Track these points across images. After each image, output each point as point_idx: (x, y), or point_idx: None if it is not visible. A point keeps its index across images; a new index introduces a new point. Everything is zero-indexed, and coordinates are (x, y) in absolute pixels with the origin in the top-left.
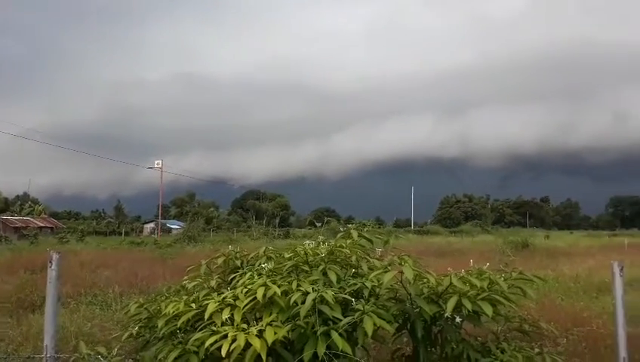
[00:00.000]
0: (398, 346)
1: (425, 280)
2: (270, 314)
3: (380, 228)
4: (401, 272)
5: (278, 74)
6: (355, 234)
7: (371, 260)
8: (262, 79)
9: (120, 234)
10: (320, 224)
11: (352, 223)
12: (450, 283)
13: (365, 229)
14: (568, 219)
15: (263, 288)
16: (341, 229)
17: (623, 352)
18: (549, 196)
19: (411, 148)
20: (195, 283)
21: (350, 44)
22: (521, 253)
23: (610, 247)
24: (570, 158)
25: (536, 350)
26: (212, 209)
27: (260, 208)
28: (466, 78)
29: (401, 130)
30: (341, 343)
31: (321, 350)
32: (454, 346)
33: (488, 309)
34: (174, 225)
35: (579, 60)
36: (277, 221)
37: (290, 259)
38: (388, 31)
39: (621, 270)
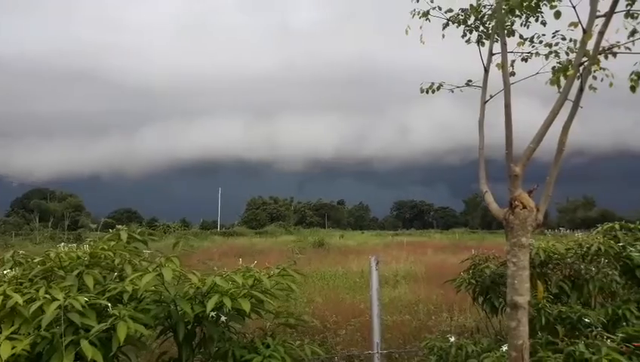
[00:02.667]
0: (165, 350)
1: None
2: (12, 325)
3: (185, 229)
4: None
5: (79, 61)
6: (124, 235)
7: (142, 263)
8: (59, 65)
9: None
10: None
11: (156, 225)
12: (214, 282)
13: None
14: (360, 220)
15: (1, 297)
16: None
17: (376, 338)
18: (345, 199)
19: (219, 149)
20: None
21: (159, 38)
22: (318, 251)
23: (392, 245)
24: (361, 165)
25: (298, 342)
26: None
27: (47, 209)
28: (274, 83)
29: (210, 130)
30: (91, 351)
31: (68, 360)
32: (220, 345)
33: (246, 306)
34: None
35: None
36: (66, 223)
37: (41, 263)
38: (199, 28)
39: (377, 264)
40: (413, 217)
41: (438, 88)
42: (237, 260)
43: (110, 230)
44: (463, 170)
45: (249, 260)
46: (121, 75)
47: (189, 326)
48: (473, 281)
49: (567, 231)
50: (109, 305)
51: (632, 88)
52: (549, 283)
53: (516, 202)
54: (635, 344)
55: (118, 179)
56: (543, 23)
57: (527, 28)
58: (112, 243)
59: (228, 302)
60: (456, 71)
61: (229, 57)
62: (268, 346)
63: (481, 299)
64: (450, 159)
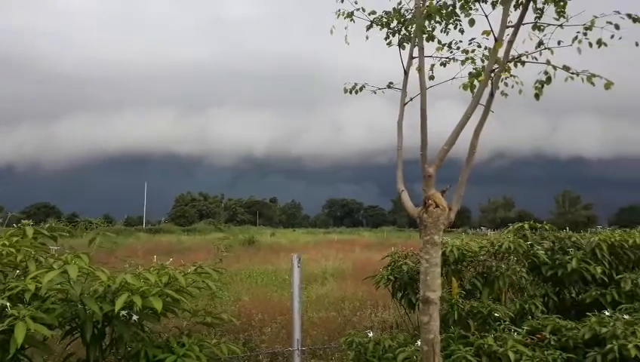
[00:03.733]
0: (73, 351)
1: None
2: None
3: (108, 226)
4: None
5: None
6: (30, 231)
7: (48, 260)
8: None
9: None
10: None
11: (77, 221)
12: (124, 280)
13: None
14: (292, 218)
15: None
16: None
17: (297, 334)
18: (277, 196)
19: (147, 141)
20: None
21: (86, 24)
22: (248, 249)
23: (323, 243)
24: (294, 163)
25: (214, 340)
26: None
27: None
28: (207, 77)
29: (137, 122)
30: None
31: None
32: (132, 346)
33: (158, 304)
34: None
35: (307, 74)
36: None
37: None
38: (130, 17)
39: (299, 262)
40: (344, 215)
41: (361, 89)
42: (162, 258)
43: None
44: (392, 169)
45: (176, 258)
46: (41, 60)
47: (99, 326)
48: (391, 278)
49: (488, 230)
50: (8, 304)
51: (536, 96)
52: (463, 279)
53: (430, 201)
54: (539, 336)
55: (34, 171)
56: (461, 31)
57: (447, 34)
58: (16, 238)
59: (138, 301)
60: (389, 72)
61: (162, 48)
62: (183, 345)
63: (399, 295)
64: (380, 159)
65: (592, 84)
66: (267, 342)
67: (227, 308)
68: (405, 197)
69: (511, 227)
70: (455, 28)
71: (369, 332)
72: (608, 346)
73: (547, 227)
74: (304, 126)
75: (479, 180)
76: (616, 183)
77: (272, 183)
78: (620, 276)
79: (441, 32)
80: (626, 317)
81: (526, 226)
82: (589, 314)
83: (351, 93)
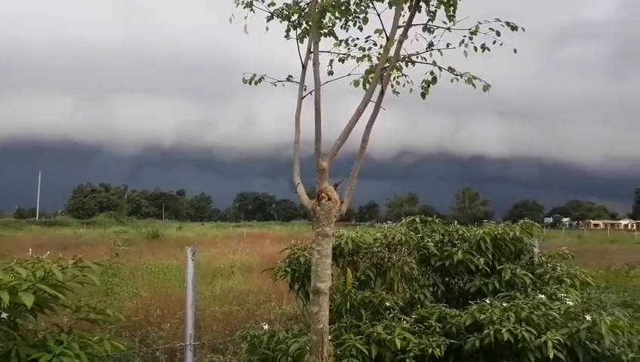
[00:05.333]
0: None
1: None
2: None
3: None
4: None
5: None
6: None
7: None
8: None
9: None
10: None
11: None
12: None
13: None
14: (201, 211)
15: None
16: None
17: (190, 329)
18: (185, 189)
19: (42, 128)
20: None
21: None
22: (152, 243)
23: (232, 237)
24: (204, 154)
25: (97, 337)
26: None
27: None
28: (112, 61)
29: (31, 107)
30: None
31: None
32: (2, 345)
33: (29, 300)
34: None
35: (218, 62)
36: None
37: None
38: None
39: (193, 255)
40: (255, 209)
41: (260, 81)
42: (57, 253)
43: None
44: (304, 163)
45: (72, 253)
46: None
47: None
48: (289, 270)
49: (394, 224)
50: None
51: (423, 95)
52: (358, 270)
53: (322, 194)
54: (426, 323)
55: None
56: (360, 28)
57: (347, 31)
58: None
59: (5, 297)
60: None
61: (65, 29)
62: (61, 343)
63: (297, 287)
64: (291, 152)
65: (473, 85)
66: (165, 339)
67: (124, 304)
68: (301, 190)
69: (404, 220)
70: (354, 25)
71: (264, 325)
72: (485, 331)
73: (437, 221)
74: (216, 116)
75: (387, 176)
76: (512, 181)
77: (180, 175)
78: (501, 266)
79: (341, 28)
80: (504, 304)
81: (417, 220)
82: (472, 302)
83: (250, 83)
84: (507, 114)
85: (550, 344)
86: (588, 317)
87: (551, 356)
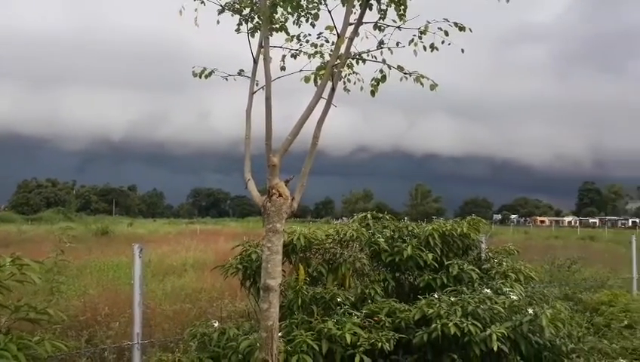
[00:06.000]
0: None
1: None
2: None
3: None
4: None
5: None
6: None
7: None
8: None
9: None
10: None
11: None
12: None
13: None
14: (154, 207)
15: None
16: None
17: (137, 328)
18: (136, 184)
19: None
20: None
21: None
22: (101, 240)
23: (185, 234)
24: (156, 148)
25: (36, 338)
26: None
27: None
28: (59, 51)
29: None
30: None
31: None
32: None
33: None
34: None
35: (172, 54)
36: None
37: None
38: None
39: (140, 252)
40: (209, 205)
41: (210, 74)
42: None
43: None
44: (260, 159)
45: (15, 250)
46: None
47: None
48: (240, 267)
49: (347, 220)
50: None
51: (372, 93)
52: (310, 266)
53: (273, 190)
54: (376, 318)
55: None
56: (313, 25)
57: (299, 26)
58: None
59: None
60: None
61: (7, 16)
62: None
63: (248, 284)
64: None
65: (421, 84)
66: (114, 338)
67: (71, 303)
68: (252, 186)
69: (356, 217)
70: (307, 21)
71: (214, 323)
72: (433, 325)
73: (388, 217)
74: (168, 109)
75: (343, 173)
76: (463, 179)
77: (131, 170)
78: (449, 262)
79: (294, 23)
80: (451, 299)
81: (369, 216)
82: (421, 297)
83: (200, 77)
84: (459, 113)
85: (494, 337)
86: (530, 311)
87: (495, 348)
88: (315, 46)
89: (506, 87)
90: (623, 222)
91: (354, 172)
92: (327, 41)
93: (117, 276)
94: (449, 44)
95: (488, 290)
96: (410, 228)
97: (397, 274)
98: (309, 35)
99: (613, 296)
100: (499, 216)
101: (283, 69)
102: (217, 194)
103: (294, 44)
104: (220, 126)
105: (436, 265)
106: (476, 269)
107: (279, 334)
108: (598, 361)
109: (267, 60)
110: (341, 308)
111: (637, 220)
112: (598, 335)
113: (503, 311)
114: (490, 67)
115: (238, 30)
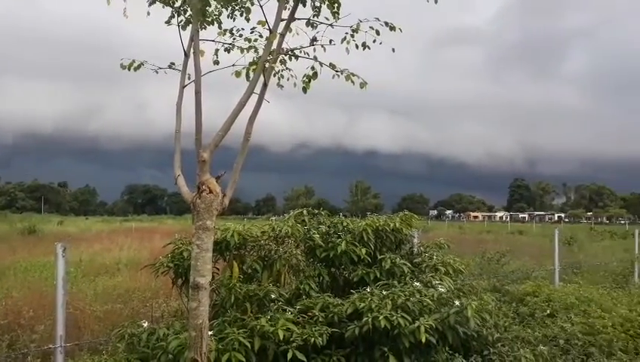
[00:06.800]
0: None
1: None
2: None
3: None
4: None
5: None
6: None
7: None
8: None
9: None
10: None
11: None
12: None
13: None
14: (86, 204)
15: None
16: None
17: (60, 330)
18: (67, 180)
19: None
20: None
21: None
22: (28, 239)
23: (119, 232)
24: (88, 142)
25: None
26: None
27: None
28: None
29: None
30: None
31: None
32: None
33: None
34: None
35: (107, 44)
36: None
37: None
38: None
39: (64, 251)
40: (145, 202)
41: (139, 67)
42: None
43: None
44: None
45: None
46: None
47: None
48: (171, 265)
49: (281, 217)
50: None
51: (304, 89)
52: (245, 264)
53: (203, 186)
54: (309, 313)
55: None
56: (247, 19)
57: (234, 20)
58: None
59: None
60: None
61: None
62: None
63: (180, 282)
64: (185, 143)
65: (352, 82)
66: (39, 341)
67: None
68: (181, 182)
69: (292, 213)
70: (242, 15)
71: (144, 323)
72: (364, 319)
73: (323, 213)
74: (102, 101)
75: (284, 169)
76: (402, 175)
77: (62, 165)
78: (382, 256)
79: (228, 17)
80: (383, 292)
81: (305, 212)
82: (354, 291)
83: (129, 70)
84: (398, 112)
85: (422, 329)
86: (457, 303)
87: (423, 340)
88: (249, 41)
89: (443, 87)
90: (550, 216)
91: (295, 168)
92: (261, 36)
93: (44, 276)
94: (380, 43)
95: (418, 284)
96: (344, 224)
97: (332, 270)
98: (243, 29)
99: (537, 286)
100: (435, 212)
101: (217, 63)
102: (154, 190)
103: (227, 38)
104: (158, 119)
105: (370, 259)
106: (408, 263)
107: (210, 333)
108: (521, 349)
109: (197, 54)
110: (275, 305)
111: (562, 215)
112: (523, 325)
113: (431, 303)
114: (427, 67)
115: (168, 22)
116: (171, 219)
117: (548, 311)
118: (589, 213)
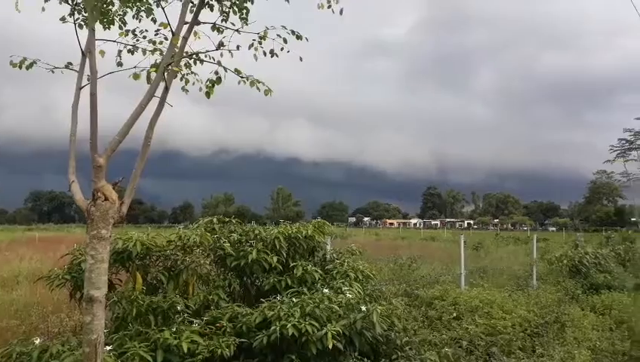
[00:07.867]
0: None
1: None
2: None
3: None
4: None
5: None
6: None
7: None
8: None
9: None
10: None
11: None
12: None
13: None
14: None
15: None
16: None
17: None
18: None
19: None
20: None
21: None
22: None
23: (21, 242)
24: None
25: None
26: None
27: None
28: None
29: None
30: None
31: None
32: None
33: None
34: None
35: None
36: None
37: None
38: None
39: None
40: (52, 210)
41: (32, 65)
42: None
43: None
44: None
45: None
46: None
47: None
48: (68, 277)
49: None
50: None
51: (207, 94)
52: (149, 274)
53: (99, 193)
54: (218, 324)
55: None
56: (154, 20)
57: (140, 21)
58: None
59: None
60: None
61: None
62: None
63: (78, 296)
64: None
65: (258, 89)
66: None
67: None
68: (75, 189)
69: (201, 221)
70: (148, 16)
71: (35, 340)
72: (272, 328)
73: (234, 221)
74: (4, 102)
75: (204, 175)
76: (322, 183)
77: None
78: (294, 264)
79: (134, 17)
80: (293, 300)
81: (215, 220)
82: (264, 300)
83: (20, 68)
84: (320, 120)
85: (330, 335)
86: (363, 308)
87: (330, 346)
88: (154, 43)
89: (362, 97)
90: (460, 223)
91: (215, 175)
92: (166, 39)
93: None
94: (288, 51)
95: (327, 290)
96: (256, 232)
97: (244, 279)
98: (146, 30)
99: (445, 291)
100: (353, 219)
101: (120, 64)
102: (61, 197)
103: (130, 39)
104: (66, 121)
105: (282, 267)
106: (319, 270)
107: (109, 347)
108: (427, 352)
109: (93, 54)
110: (180, 317)
111: (471, 222)
112: (431, 328)
113: (339, 309)
114: (350, 78)
115: (63, 20)
116: (80, 228)
117: (454, 314)
118: (495, 220)
